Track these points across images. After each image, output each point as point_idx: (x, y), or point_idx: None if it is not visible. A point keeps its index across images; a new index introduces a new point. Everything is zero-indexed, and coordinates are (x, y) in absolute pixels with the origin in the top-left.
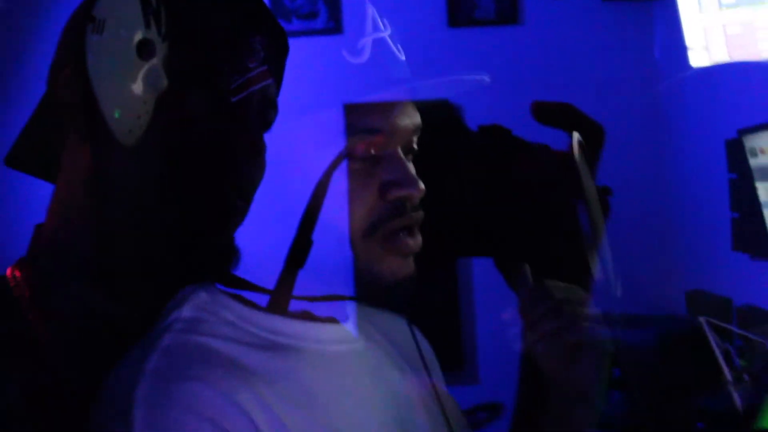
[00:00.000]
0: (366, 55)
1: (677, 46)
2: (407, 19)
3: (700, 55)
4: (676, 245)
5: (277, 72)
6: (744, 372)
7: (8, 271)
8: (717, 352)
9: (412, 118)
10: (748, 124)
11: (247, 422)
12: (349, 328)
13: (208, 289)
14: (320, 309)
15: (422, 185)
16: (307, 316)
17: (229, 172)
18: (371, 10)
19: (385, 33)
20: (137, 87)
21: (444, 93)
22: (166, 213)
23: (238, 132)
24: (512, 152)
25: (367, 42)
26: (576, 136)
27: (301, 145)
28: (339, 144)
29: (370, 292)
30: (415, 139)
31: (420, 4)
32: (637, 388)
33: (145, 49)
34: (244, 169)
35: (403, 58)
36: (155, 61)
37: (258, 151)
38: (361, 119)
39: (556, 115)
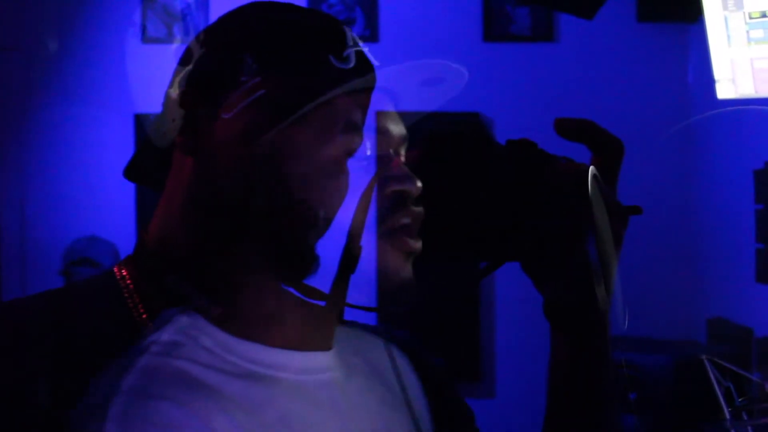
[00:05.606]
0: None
1: (711, 72)
2: (443, 32)
3: (727, 88)
4: (701, 272)
5: (363, 103)
6: (743, 410)
7: (116, 269)
8: (717, 389)
9: (398, 126)
10: None
11: None
12: (329, 355)
13: (190, 313)
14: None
15: (419, 183)
16: (287, 344)
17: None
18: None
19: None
20: (173, 91)
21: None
22: (246, 219)
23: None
24: (537, 164)
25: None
26: (592, 169)
27: None
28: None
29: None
30: (402, 151)
31: (456, 17)
32: (651, 412)
33: (184, 55)
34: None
35: (377, 64)
36: (191, 67)
37: (329, 170)
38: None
39: (577, 130)
